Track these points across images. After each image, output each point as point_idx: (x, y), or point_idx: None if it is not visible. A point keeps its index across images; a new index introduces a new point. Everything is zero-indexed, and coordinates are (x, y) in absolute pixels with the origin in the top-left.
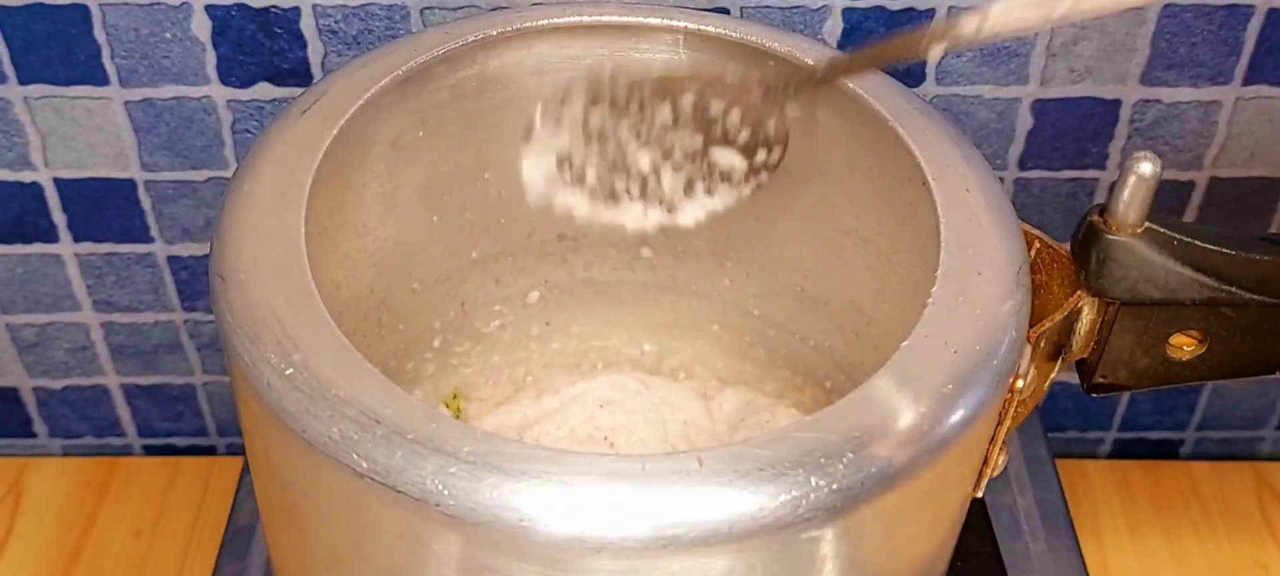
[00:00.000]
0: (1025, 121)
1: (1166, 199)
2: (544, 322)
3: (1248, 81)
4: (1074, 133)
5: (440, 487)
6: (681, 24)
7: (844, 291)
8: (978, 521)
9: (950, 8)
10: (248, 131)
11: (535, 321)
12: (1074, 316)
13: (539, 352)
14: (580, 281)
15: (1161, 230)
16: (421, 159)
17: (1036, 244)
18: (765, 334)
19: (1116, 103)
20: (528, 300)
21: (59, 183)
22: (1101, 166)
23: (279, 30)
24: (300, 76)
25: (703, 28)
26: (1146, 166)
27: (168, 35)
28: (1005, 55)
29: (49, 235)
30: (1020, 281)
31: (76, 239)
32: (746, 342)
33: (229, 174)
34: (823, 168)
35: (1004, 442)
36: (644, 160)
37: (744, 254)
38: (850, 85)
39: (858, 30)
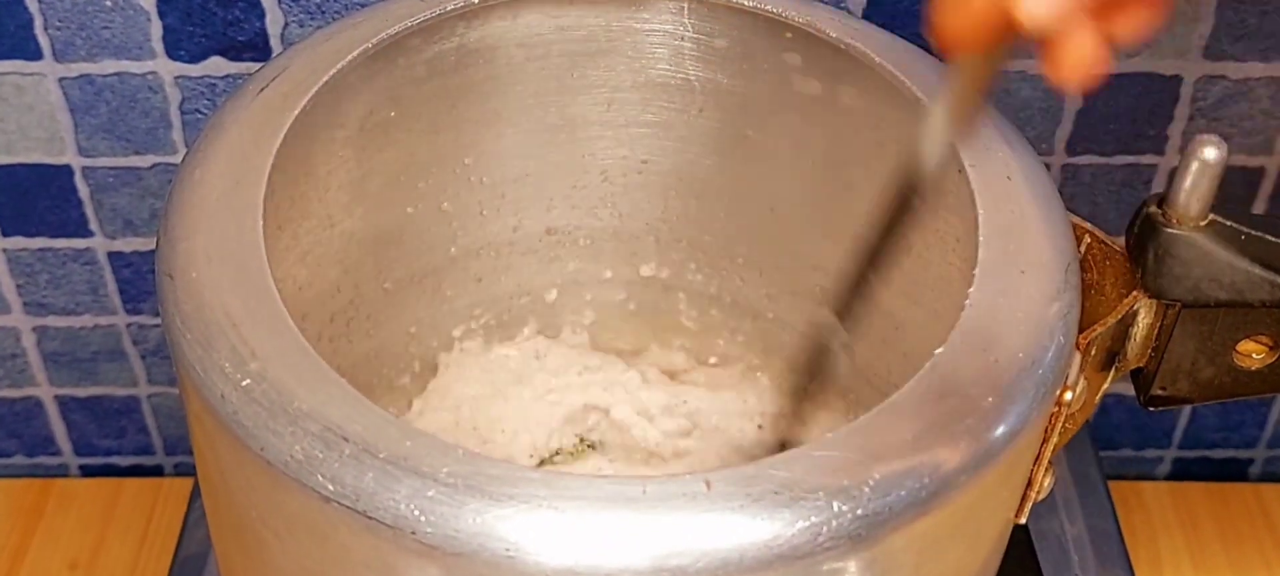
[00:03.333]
0: (1074, 100)
1: (1233, 187)
2: (532, 327)
3: None
4: (1128, 113)
5: (416, 513)
6: None
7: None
8: (1021, 551)
9: None
10: (198, 111)
11: (521, 325)
12: (1129, 320)
13: (524, 358)
14: (571, 282)
15: (1228, 223)
16: (394, 142)
17: (1087, 238)
18: (780, 339)
19: (1177, 79)
20: (514, 303)
21: None
22: (1160, 151)
23: None
24: (257, 50)
25: None
26: (1211, 151)
27: (108, 3)
28: None
29: None
30: (1068, 281)
31: (5, 233)
32: (761, 348)
33: (177, 159)
34: (846, 152)
35: (1050, 462)
36: None
37: (758, 250)
38: (874, 58)
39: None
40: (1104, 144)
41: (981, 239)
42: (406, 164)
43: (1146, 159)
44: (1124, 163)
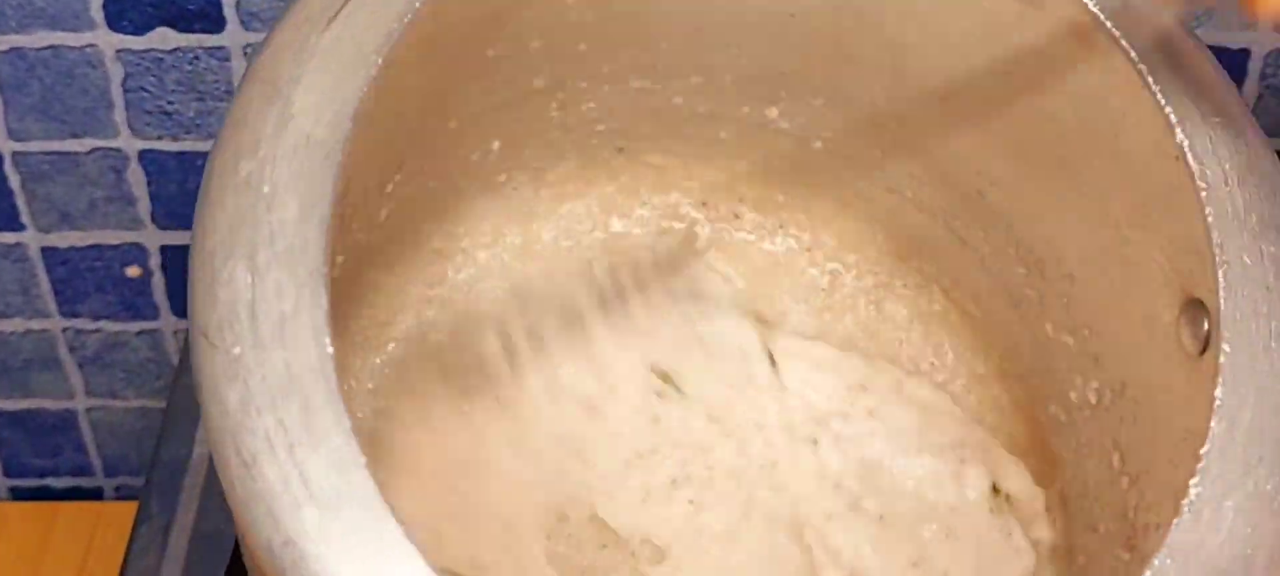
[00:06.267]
0: None
1: None
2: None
3: None
4: None
5: None
6: None
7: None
8: None
9: None
10: (143, 90)
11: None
12: None
13: None
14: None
15: None
16: None
17: None
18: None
19: (1245, 53)
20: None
21: None
22: None
23: None
24: (209, 20)
25: None
26: None
27: None
28: None
29: None
30: None
31: None
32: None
33: (119, 143)
34: None
35: None
36: None
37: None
38: None
39: None
40: None
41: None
42: None
43: None
44: None
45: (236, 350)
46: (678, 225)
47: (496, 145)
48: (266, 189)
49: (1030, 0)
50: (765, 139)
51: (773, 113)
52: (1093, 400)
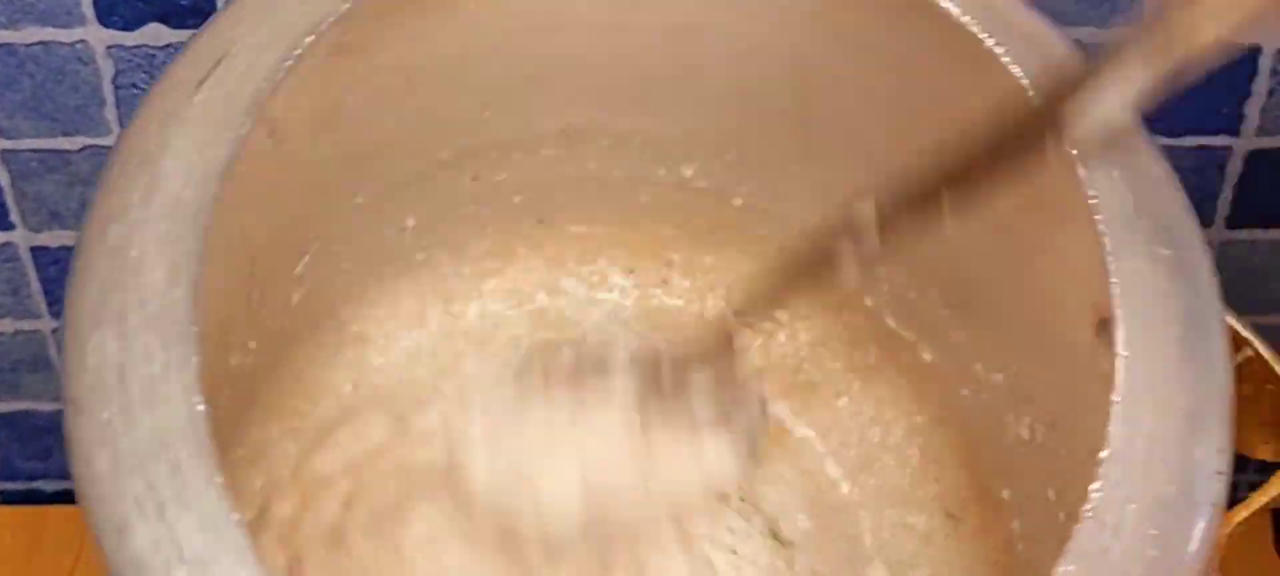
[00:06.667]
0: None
1: None
2: None
3: None
4: (1199, 87)
5: None
6: None
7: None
8: None
9: None
10: (134, 87)
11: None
12: None
13: None
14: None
15: None
16: None
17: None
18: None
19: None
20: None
21: None
22: (1234, 132)
23: None
24: (203, 15)
25: None
26: None
27: None
28: None
29: None
30: None
31: None
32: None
33: (111, 141)
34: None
35: None
36: None
37: None
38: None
39: None
40: (1170, 121)
41: None
42: None
43: (1219, 140)
44: (1193, 144)
45: (104, 415)
46: (607, 295)
47: (411, 222)
48: (134, 253)
49: None
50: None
51: (688, 172)
52: (1025, 436)
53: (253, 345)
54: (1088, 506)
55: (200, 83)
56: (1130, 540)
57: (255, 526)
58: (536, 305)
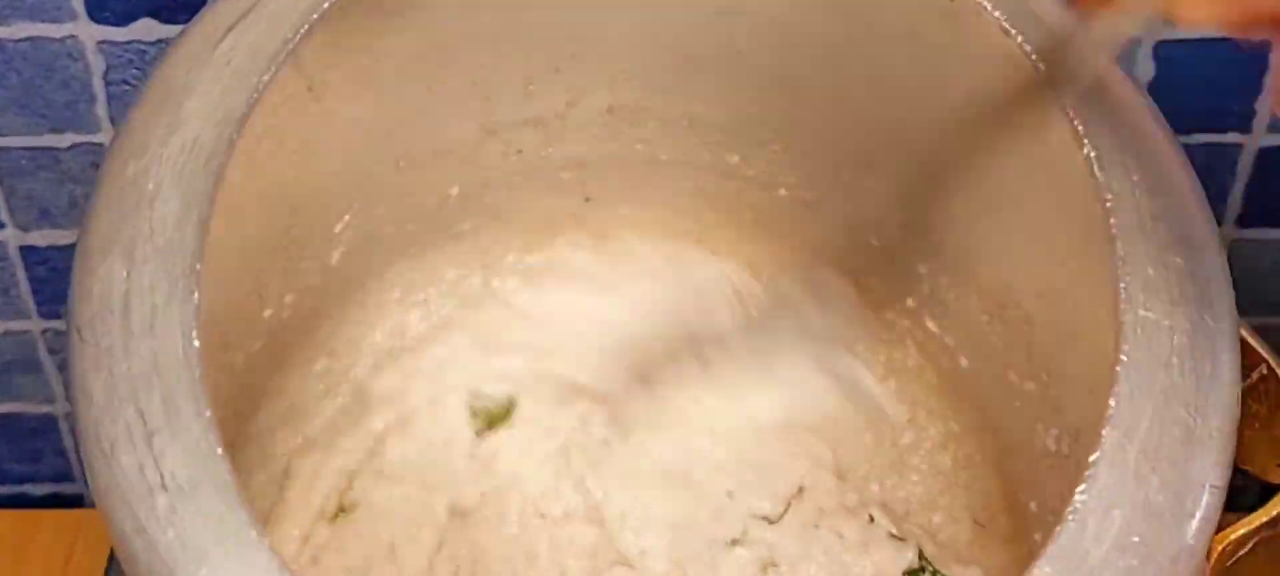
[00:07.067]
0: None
1: None
2: None
3: None
4: (1209, 85)
5: None
6: None
7: None
8: None
9: None
10: (126, 83)
11: None
12: None
13: None
14: None
15: None
16: None
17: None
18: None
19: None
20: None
21: None
22: (1246, 130)
23: None
24: (192, 11)
25: None
26: None
27: None
28: None
29: None
30: None
31: None
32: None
33: (101, 138)
34: None
35: None
36: None
37: None
38: None
39: None
40: (1180, 118)
41: None
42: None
43: (1230, 137)
44: (1203, 142)
45: (106, 343)
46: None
47: (455, 191)
48: (150, 187)
49: None
50: (731, 187)
51: (734, 159)
52: (1052, 448)
53: (289, 299)
54: (1071, 509)
55: (229, 28)
56: (1111, 546)
57: (282, 478)
58: (581, 282)
